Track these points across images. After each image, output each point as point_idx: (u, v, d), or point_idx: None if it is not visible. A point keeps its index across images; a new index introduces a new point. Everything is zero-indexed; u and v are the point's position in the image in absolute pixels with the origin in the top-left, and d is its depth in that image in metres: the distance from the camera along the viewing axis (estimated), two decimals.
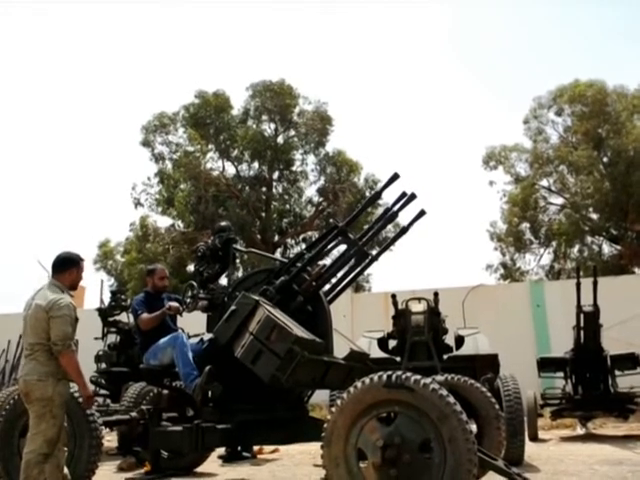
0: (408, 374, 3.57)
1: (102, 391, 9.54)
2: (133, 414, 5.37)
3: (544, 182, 23.47)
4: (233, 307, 4.24)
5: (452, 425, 3.44)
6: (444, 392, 3.52)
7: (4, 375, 14.31)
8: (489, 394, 4.86)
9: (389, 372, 3.59)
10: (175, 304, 5.38)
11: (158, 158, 22.73)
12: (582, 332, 9.21)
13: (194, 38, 40.07)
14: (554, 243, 23.51)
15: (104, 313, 10.00)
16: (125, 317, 9.77)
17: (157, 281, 5.67)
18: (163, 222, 22.94)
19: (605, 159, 22.24)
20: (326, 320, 4.84)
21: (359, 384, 3.66)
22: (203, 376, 4.63)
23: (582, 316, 9.10)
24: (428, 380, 3.57)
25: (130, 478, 6.38)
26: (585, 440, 8.96)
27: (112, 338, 9.94)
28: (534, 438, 8.85)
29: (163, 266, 6.17)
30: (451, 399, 3.52)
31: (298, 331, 4.12)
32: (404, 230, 5.21)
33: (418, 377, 3.57)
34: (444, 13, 42.44)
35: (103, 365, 9.65)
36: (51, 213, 39.39)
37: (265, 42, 38.87)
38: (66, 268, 4.42)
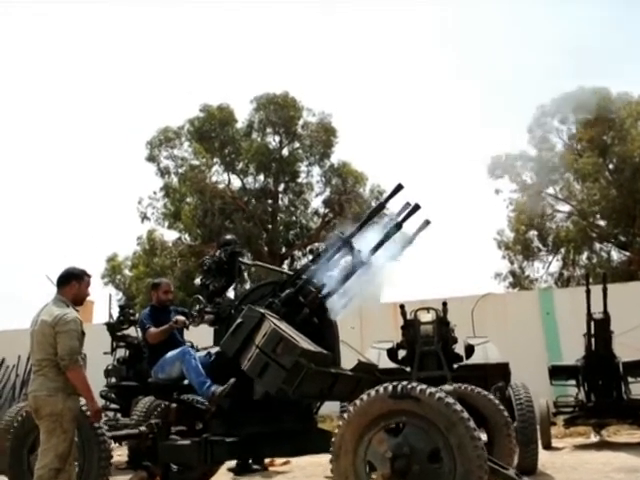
0: (414, 384, 3.57)
1: (112, 405, 9.54)
2: (142, 428, 5.37)
3: (550, 190, 23.46)
4: (239, 320, 4.24)
5: (460, 432, 3.42)
6: (450, 400, 3.50)
7: (14, 390, 14.33)
8: (497, 401, 4.83)
9: (394, 383, 3.58)
10: (182, 318, 5.40)
11: (164, 172, 22.86)
12: (593, 339, 9.14)
13: (198, 52, 40.42)
14: (562, 250, 23.45)
15: (113, 328, 10.02)
16: (134, 331, 9.79)
17: (162, 295, 5.72)
18: (170, 236, 23.08)
19: (611, 166, 22.21)
20: (333, 332, 4.84)
21: (365, 396, 3.65)
22: (227, 386, 4.63)
23: (593, 323, 9.04)
24: (434, 389, 3.56)
25: None
26: (599, 448, 8.86)
27: (121, 352, 9.95)
28: (547, 446, 8.77)
29: (168, 280, 6.21)
30: (458, 406, 3.50)
31: (304, 343, 4.11)
32: (409, 241, 5.21)
33: (424, 386, 3.56)
34: (448, 22, 42.64)
35: (113, 379, 9.66)
36: (59, 228, 39.61)
37: (269, 55, 39.17)
38: (68, 282, 4.45)
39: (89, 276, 4.61)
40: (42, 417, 4.17)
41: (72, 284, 4.45)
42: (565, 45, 38.99)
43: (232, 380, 4.63)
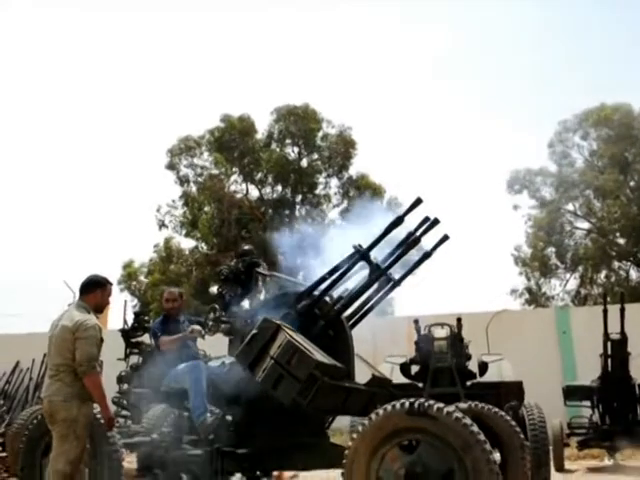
0: (431, 402, 3.52)
1: (123, 412, 9.55)
2: (154, 436, 5.37)
3: (570, 206, 23.28)
4: (254, 331, 4.23)
5: (476, 455, 3.37)
6: (468, 421, 3.45)
7: (28, 393, 14.41)
8: (513, 423, 4.76)
9: (412, 399, 3.54)
10: (198, 327, 5.43)
11: (183, 181, 23.04)
12: (609, 360, 9.02)
13: (220, 62, 40.76)
14: (580, 268, 23.22)
15: (127, 334, 10.04)
16: (148, 338, 9.81)
17: (164, 303, 5.84)
18: (187, 244, 23.18)
19: (632, 183, 22.03)
20: (348, 345, 4.82)
21: (381, 411, 3.61)
22: (214, 420, 4.76)
23: (609, 344, 8.93)
24: (451, 408, 3.51)
25: None
26: (613, 471, 8.72)
27: (134, 359, 9.97)
28: (560, 469, 8.64)
29: (174, 289, 6.28)
30: (475, 428, 3.45)
31: (319, 356, 4.10)
32: (427, 255, 5.20)
33: (441, 405, 3.51)
34: (470, 36, 42.61)
35: (125, 386, 9.67)
36: (77, 234, 39.94)
37: (290, 66, 39.38)
38: (91, 290, 4.50)
39: (111, 284, 4.69)
40: (56, 422, 4.20)
41: (96, 292, 4.51)
42: (588, 58, 38.83)
43: (221, 414, 4.82)
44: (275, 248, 5.60)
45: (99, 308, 4.56)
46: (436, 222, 4.89)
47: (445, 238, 5.17)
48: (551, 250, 23.24)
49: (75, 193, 39.17)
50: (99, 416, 4.56)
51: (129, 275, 23.92)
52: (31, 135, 39.91)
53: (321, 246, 5.27)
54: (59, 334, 4.31)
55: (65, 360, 4.24)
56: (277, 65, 38.56)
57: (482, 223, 34.74)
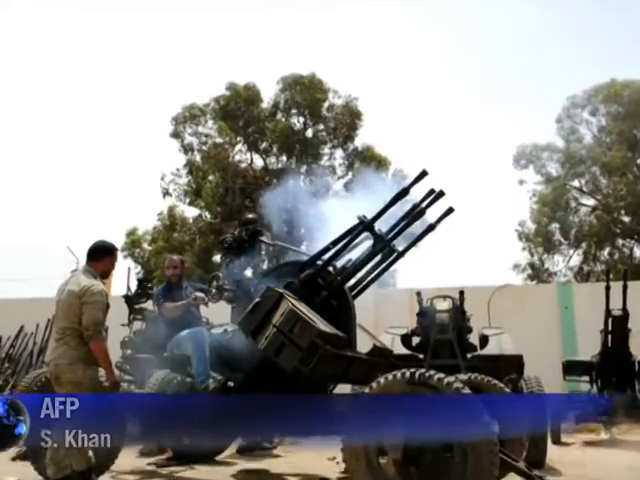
0: (431, 372, 3.56)
1: (127, 377, 9.66)
2: None
3: (576, 183, 23.16)
4: (257, 299, 4.25)
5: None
6: (467, 391, 3.50)
7: (32, 357, 14.58)
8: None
9: (412, 369, 3.59)
10: (201, 294, 5.47)
11: (187, 149, 22.93)
12: (610, 336, 9.07)
13: (226, 30, 40.23)
14: (584, 245, 23.19)
15: (130, 300, 10.12)
16: (151, 305, 9.89)
17: (165, 270, 5.92)
18: (190, 212, 23.17)
19: (639, 161, 21.84)
20: (350, 315, 4.84)
21: (382, 380, 3.65)
22: (219, 384, 4.82)
23: (610, 320, 8.97)
24: (452, 379, 3.55)
25: (152, 463, 6.46)
26: (609, 445, 8.81)
27: (138, 325, 10.06)
28: (557, 442, 8.74)
29: (175, 256, 6.39)
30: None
31: (321, 325, 4.13)
32: (431, 227, 5.19)
33: (442, 375, 3.56)
34: (477, 9, 41.88)
35: (128, 351, 9.77)
36: (81, 201, 39.98)
37: (297, 35, 38.87)
38: (100, 256, 4.53)
39: (117, 250, 4.72)
40: (62, 384, 4.26)
41: (105, 259, 4.55)
42: (601, 38, 38.23)
43: (223, 379, 4.87)
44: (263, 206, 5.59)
45: (106, 274, 4.61)
46: (441, 194, 4.88)
47: (450, 211, 5.14)
48: (555, 226, 23.20)
49: (79, 160, 39.12)
50: (103, 379, 4.62)
51: (133, 242, 23.97)
52: (35, 112, 39.70)
53: (318, 209, 5.27)
54: (66, 299, 4.35)
55: (71, 324, 4.29)
56: (284, 33, 38.08)
57: (487, 197, 34.64)
